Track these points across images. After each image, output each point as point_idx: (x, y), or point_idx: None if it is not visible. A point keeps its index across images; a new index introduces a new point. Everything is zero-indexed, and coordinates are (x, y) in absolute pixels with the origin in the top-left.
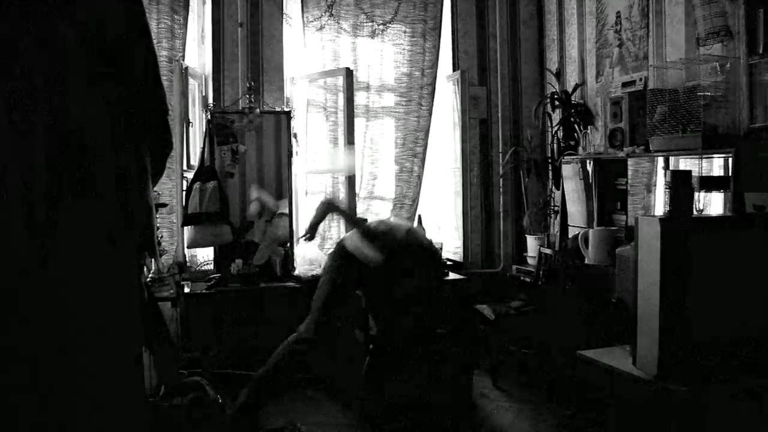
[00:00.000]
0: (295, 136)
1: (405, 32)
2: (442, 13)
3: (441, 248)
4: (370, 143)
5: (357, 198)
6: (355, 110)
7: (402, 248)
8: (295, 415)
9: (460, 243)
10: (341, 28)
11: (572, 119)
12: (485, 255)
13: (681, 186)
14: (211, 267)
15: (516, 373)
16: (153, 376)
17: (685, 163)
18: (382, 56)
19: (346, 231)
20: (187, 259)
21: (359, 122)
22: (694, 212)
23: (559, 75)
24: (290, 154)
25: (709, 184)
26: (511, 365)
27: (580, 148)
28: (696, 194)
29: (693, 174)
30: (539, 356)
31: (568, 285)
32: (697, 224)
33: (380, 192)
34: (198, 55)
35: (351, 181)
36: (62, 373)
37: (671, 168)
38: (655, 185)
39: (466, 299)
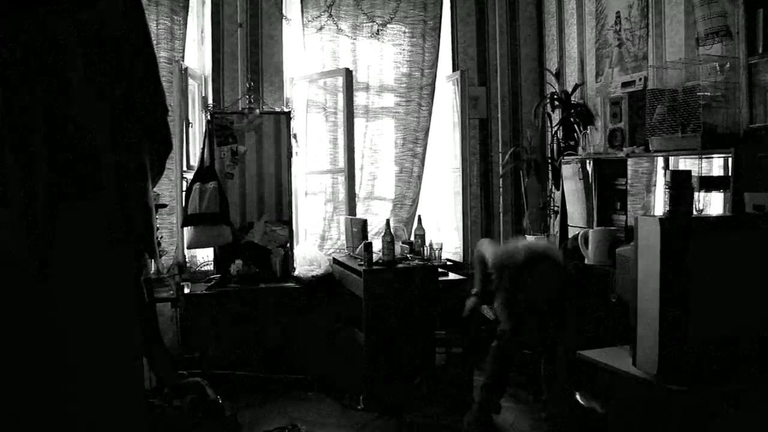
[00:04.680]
0: (295, 136)
1: (404, 32)
2: (442, 13)
3: (441, 248)
4: (369, 143)
5: (357, 198)
6: (354, 111)
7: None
8: (296, 416)
9: (460, 243)
10: (340, 28)
11: (572, 119)
12: None
13: (681, 186)
14: (211, 267)
15: (516, 373)
16: (152, 377)
17: (684, 163)
18: (381, 56)
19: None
20: (187, 260)
21: (359, 122)
22: (694, 212)
23: (559, 75)
24: (290, 155)
25: (709, 184)
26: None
27: (580, 149)
28: (696, 194)
29: (693, 174)
30: (539, 356)
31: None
32: (697, 224)
33: (380, 192)
34: (198, 55)
35: (351, 181)
36: (61, 374)
37: (671, 168)
38: (655, 185)
39: (465, 300)
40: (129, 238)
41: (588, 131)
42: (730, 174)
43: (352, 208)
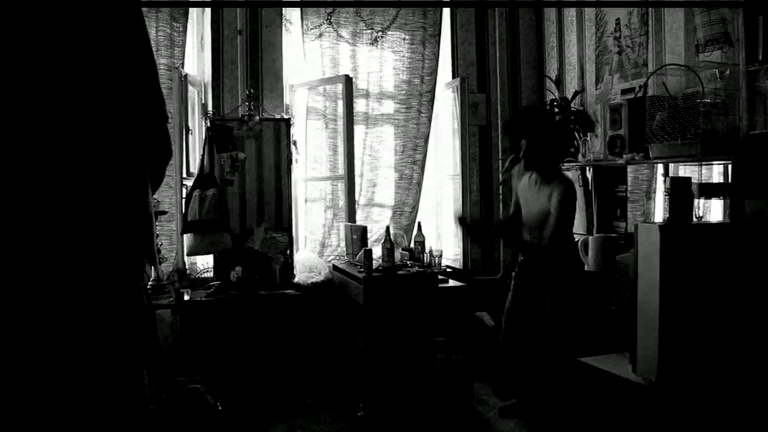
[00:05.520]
0: (295, 143)
1: (404, 39)
2: (442, 20)
3: (441, 255)
4: (369, 150)
5: (357, 205)
6: (354, 117)
7: None
8: (296, 422)
9: (459, 250)
10: (340, 35)
11: (572, 126)
12: (484, 262)
13: (680, 193)
14: (210, 274)
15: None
16: (153, 383)
17: (684, 170)
18: (381, 63)
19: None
20: (186, 267)
21: (359, 129)
22: (694, 219)
23: (559, 82)
24: (290, 162)
25: (709, 191)
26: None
27: (580, 155)
28: (695, 201)
29: (692, 181)
30: (539, 363)
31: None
32: (697, 231)
33: (380, 199)
34: (197, 62)
35: (350, 188)
36: (60, 380)
37: (671, 175)
38: (655, 192)
39: (465, 306)
40: (128, 245)
41: (588, 138)
42: (729, 181)
43: (351, 215)
